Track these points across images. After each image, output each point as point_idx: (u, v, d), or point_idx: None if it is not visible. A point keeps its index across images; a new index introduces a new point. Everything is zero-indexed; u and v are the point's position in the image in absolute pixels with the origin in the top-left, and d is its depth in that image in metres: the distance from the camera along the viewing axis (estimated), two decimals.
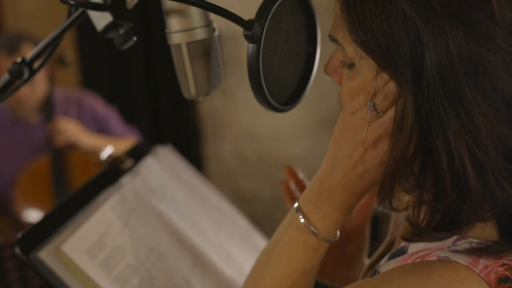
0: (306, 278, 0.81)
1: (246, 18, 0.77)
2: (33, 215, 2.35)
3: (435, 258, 0.70)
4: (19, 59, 0.88)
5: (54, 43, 0.88)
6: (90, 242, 1.03)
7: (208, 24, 0.83)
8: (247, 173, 3.68)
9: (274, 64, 0.81)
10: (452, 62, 0.65)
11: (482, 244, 0.70)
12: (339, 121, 0.76)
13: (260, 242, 1.36)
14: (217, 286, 1.15)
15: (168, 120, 3.62)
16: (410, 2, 0.66)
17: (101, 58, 3.52)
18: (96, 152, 2.39)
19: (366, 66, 0.72)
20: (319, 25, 0.86)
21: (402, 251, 0.75)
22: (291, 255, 0.80)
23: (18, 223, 2.40)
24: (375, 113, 0.71)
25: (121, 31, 0.81)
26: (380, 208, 0.74)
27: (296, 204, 0.81)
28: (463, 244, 0.71)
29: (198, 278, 1.14)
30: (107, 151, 1.19)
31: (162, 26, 0.86)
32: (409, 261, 0.72)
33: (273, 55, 0.80)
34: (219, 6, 0.76)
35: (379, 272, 0.76)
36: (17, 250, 0.95)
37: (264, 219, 3.36)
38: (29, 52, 0.89)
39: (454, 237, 0.72)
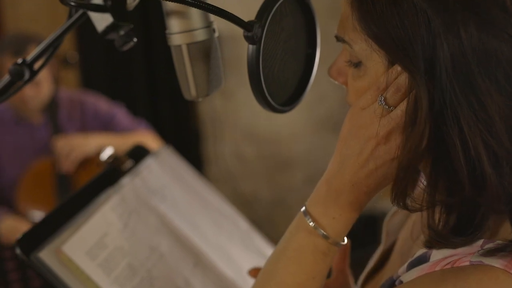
0: (316, 286, 0.78)
1: (246, 19, 0.77)
2: (35, 215, 2.35)
3: (467, 263, 0.69)
4: (19, 60, 0.88)
5: (55, 44, 0.89)
6: (91, 243, 1.03)
7: (208, 25, 0.84)
8: (247, 174, 3.68)
9: (274, 65, 0.81)
10: (464, 53, 0.65)
11: (511, 245, 0.69)
12: (347, 119, 0.75)
13: (260, 243, 1.37)
14: (217, 287, 1.15)
15: (168, 121, 3.62)
16: None
17: (102, 59, 3.53)
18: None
19: (375, 62, 0.71)
20: (318, 26, 0.86)
21: (424, 259, 0.74)
22: (300, 262, 0.77)
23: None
24: (387, 107, 0.70)
25: (122, 32, 0.82)
26: (394, 206, 0.73)
27: (303, 208, 0.79)
28: (494, 247, 0.69)
29: (199, 279, 1.14)
30: (107, 152, 1.19)
31: (162, 27, 0.86)
32: (437, 268, 0.70)
33: (273, 56, 0.80)
34: (219, 8, 0.76)
35: (401, 282, 0.74)
36: (18, 250, 0.96)
37: (264, 220, 3.36)
38: None
39: (481, 241, 0.71)
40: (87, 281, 1.00)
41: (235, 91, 3.46)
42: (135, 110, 2.81)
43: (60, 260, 0.98)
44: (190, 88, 0.85)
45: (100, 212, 1.08)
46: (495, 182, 0.66)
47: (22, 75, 0.88)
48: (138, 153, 1.27)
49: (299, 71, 0.86)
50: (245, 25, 0.76)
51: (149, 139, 2.58)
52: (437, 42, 0.66)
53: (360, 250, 3.57)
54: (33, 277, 1.62)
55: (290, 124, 3.53)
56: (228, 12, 0.76)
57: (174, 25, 0.83)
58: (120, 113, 2.65)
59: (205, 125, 3.72)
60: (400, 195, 0.71)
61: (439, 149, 0.68)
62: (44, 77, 2.44)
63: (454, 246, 0.71)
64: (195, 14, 0.82)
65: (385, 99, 0.71)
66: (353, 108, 0.75)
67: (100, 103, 2.66)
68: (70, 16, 0.87)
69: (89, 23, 0.85)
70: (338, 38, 0.75)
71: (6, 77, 0.89)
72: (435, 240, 0.71)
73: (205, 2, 0.76)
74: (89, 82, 3.50)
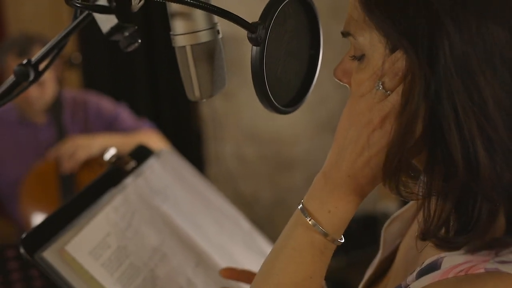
0: (314, 286, 0.76)
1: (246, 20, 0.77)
2: (38, 216, 2.35)
3: (482, 270, 0.68)
4: (25, 61, 0.88)
5: (59, 45, 0.89)
6: (94, 243, 1.04)
7: (213, 27, 0.84)
8: (248, 175, 3.68)
9: (278, 66, 0.81)
10: (463, 37, 0.66)
11: None
12: (346, 109, 0.75)
13: (262, 243, 1.37)
14: (219, 287, 1.15)
15: (170, 121, 3.63)
16: None
17: (103, 60, 3.53)
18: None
19: (377, 52, 0.72)
20: (321, 27, 0.87)
21: (435, 267, 0.73)
22: (297, 260, 0.76)
23: (24, 223, 2.39)
24: (384, 91, 0.71)
25: (126, 34, 0.82)
26: (387, 190, 0.72)
27: (300, 205, 0.78)
28: (509, 255, 0.69)
29: (201, 279, 1.15)
30: (110, 152, 1.20)
31: (164, 28, 0.87)
32: (450, 275, 0.70)
33: (276, 57, 0.80)
34: (223, 9, 0.76)
35: None
36: (22, 250, 0.96)
37: (265, 221, 3.36)
38: None
39: (494, 249, 0.70)
40: (91, 281, 1.00)
41: (236, 92, 3.46)
42: (136, 111, 2.81)
43: (63, 260, 0.99)
44: (194, 89, 0.86)
45: (103, 212, 1.08)
46: (489, 166, 0.66)
47: (27, 75, 0.88)
48: (141, 154, 1.27)
49: (302, 72, 0.87)
50: (249, 27, 0.76)
51: (153, 138, 2.58)
52: (436, 25, 0.67)
53: (360, 251, 3.58)
54: (36, 277, 1.63)
55: (291, 125, 3.53)
56: (232, 13, 0.76)
57: (178, 26, 0.84)
58: (124, 113, 2.66)
59: (206, 126, 3.73)
60: (392, 178, 0.71)
61: (435, 135, 0.68)
62: (48, 78, 2.44)
63: (457, 246, 0.71)
64: (199, 15, 0.83)
65: (382, 84, 0.71)
66: (351, 97, 0.75)
67: (104, 103, 2.66)
68: (75, 17, 0.87)
69: (91, 24, 0.86)
70: (344, 34, 0.76)
71: (11, 78, 0.89)
72: (436, 243, 0.71)
73: (210, 4, 0.77)
74: (91, 83, 3.50)
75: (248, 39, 0.77)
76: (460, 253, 0.72)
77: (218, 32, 0.85)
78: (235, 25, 0.78)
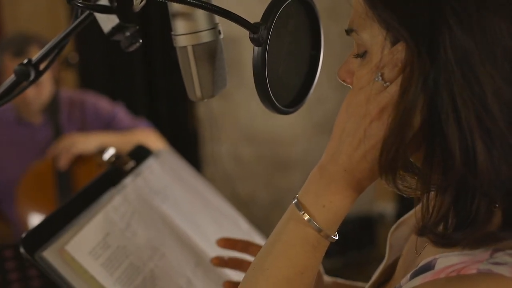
0: (305, 282, 0.76)
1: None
2: (35, 216, 2.35)
3: (474, 271, 0.67)
4: (25, 61, 0.88)
5: (60, 45, 0.89)
6: (93, 242, 1.04)
7: (214, 27, 0.84)
8: (245, 176, 3.69)
9: (279, 67, 0.81)
10: (464, 28, 0.66)
11: None
12: (345, 102, 0.74)
13: (260, 243, 1.37)
14: (219, 286, 1.16)
15: (167, 122, 3.63)
16: None
17: (101, 60, 3.53)
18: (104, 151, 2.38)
19: (379, 46, 0.72)
20: (322, 28, 0.87)
21: (428, 268, 0.72)
22: (289, 255, 0.75)
23: (21, 223, 2.39)
24: (383, 82, 0.71)
25: (128, 34, 0.82)
26: (385, 184, 0.72)
27: (295, 200, 0.77)
28: (503, 256, 0.68)
29: (200, 278, 1.15)
30: (109, 152, 1.20)
31: (161, 28, 0.87)
32: (442, 275, 0.69)
33: (278, 58, 0.81)
34: (225, 9, 0.77)
35: None
36: (22, 249, 0.96)
37: (262, 221, 3.36)
38: (36, 55, 0.90)
39: (490, 250, 0.69)
40: (90, 281, 1.00)
41: (233, 92, 3.47)
42: (133, 111, 2.81)
43: (63, 260, 0.99)
44: (195, 89, 0.86)
45: (103, 212, 1.08)
46: (486, 159, 0.66)
47: (28, 75, 0.88)
48: (140, 154, 1.28)
49: (303, 72, 0.87)
50: (251, 27, 0.76)
51: (151, 137, 2.58)
52: (438, 18, 0.67)
53: (356, 252, 3.58)
54: (33, 277, 1.62)
55: (289, 125, 3.53)
56: (234, 13, 0.77)
57: (180, 26, 0.84)
58: (121, 113, 2.66)
59: (203, 126, 3.73)
60: (389, 170, 0.71)
61: (433, 127, 0.68)
62: (46, 78, 2.44)
63: (454, 242, 0.70)
64: (201, 15, 0.83)
65: (382, 75, 0.71)
66: (351, 90, 0.75)
67: (101, 103, 2.66)
68: (76, 17, 0.87)
69: (88, 24, 0.86)
70: (348, 31, 0.76)
71: (12, 77, 0.90)
72: (433, 240, 0.71)
73: (211, 4, 0.77)
74: (88, 83, 3.50)
75: (250, 40, 0.77)
76: (455, 254, 0.71)
77: (219, 32, 0.86)
78: (232, 25, 0.78)
